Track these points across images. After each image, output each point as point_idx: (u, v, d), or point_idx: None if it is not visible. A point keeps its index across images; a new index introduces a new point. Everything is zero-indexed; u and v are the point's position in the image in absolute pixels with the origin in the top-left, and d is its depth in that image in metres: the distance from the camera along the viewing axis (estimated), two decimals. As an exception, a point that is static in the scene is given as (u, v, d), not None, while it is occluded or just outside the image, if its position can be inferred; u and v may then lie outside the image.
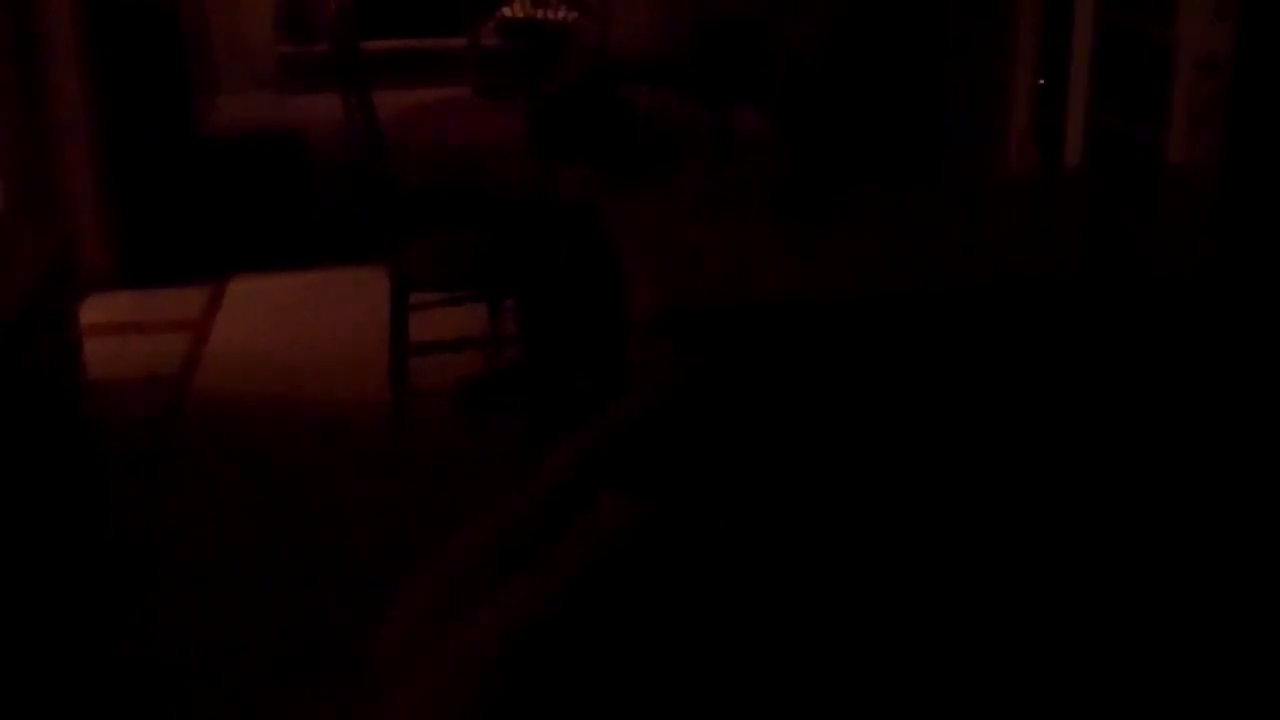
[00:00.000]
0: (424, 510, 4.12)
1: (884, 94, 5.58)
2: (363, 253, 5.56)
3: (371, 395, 4.93)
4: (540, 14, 6.72)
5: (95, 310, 5.76)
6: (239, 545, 4.06)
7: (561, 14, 6.76)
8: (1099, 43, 5.30)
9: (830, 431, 2.51)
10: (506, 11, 6.94)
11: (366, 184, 4.57)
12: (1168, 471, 2.59)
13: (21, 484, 3.22)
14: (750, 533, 1.76)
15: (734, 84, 4.71)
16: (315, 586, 3.80)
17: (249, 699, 3.32)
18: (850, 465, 2.41)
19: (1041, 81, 5.50)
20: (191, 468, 4.60)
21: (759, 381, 2.46)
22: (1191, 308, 2.65)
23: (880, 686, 1.82)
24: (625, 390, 2.82)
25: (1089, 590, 2.25)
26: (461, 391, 4.77)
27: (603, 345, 3.36)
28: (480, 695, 1.47)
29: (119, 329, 5.72)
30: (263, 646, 3.53)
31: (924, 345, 2.59)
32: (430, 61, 10.57)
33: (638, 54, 6.58)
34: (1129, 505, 2.50)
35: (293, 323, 5.78)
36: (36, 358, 3.33)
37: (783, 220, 2.80)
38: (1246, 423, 2.65)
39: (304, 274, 6.28)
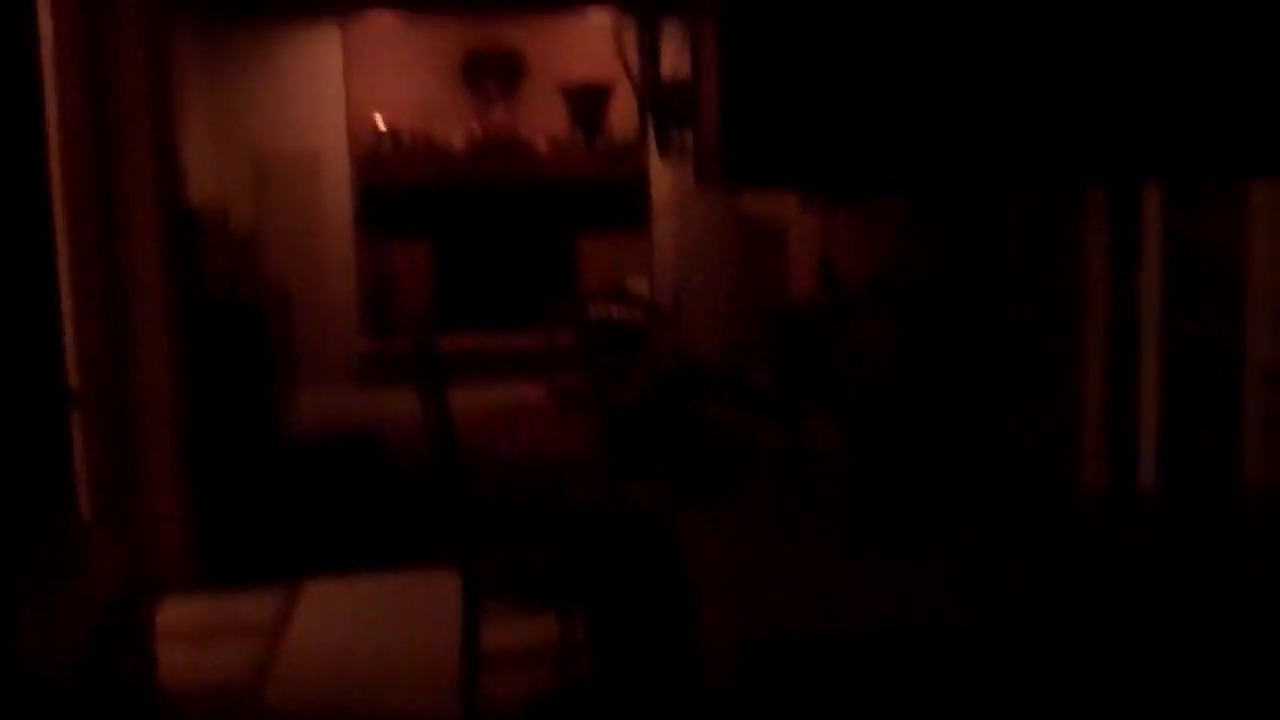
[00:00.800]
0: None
1: (953, 401, 5.62)
2: (437, 556, 5.60)
3: (443, 710, 4.90)
4: (616, 314, 6.89)
5: (171, 614, 5.77)
6: None
7: (637, 313, 6.93)
8: (1167, 350, 5.33)
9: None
10: (589, 310, 7.13)
11: (441, 492, 4.63)
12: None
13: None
14: None
15: (804, 392, 4.77)
16: None
17: None
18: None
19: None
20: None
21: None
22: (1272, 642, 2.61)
23: None
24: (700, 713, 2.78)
25: None
26: (530, 713, 4.73)
27: (674, 663, 3.32)
28: None
29: (194, 635, 5.74)
30: None
31: (1001, 676, 2.55)
32: (508, 358, 10.86)
33: (710, 360, 6.69)
34: None
35: (366, 629, 5.79)
36: (113, 674, 3.34)
37: (857, 544, 2.80)
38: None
39: (379, 577, 6.31)
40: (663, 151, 4.25)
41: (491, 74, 11.39)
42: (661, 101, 4.15)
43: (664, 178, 11.24)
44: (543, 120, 11.37)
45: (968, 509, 3.27)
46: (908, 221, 6.10)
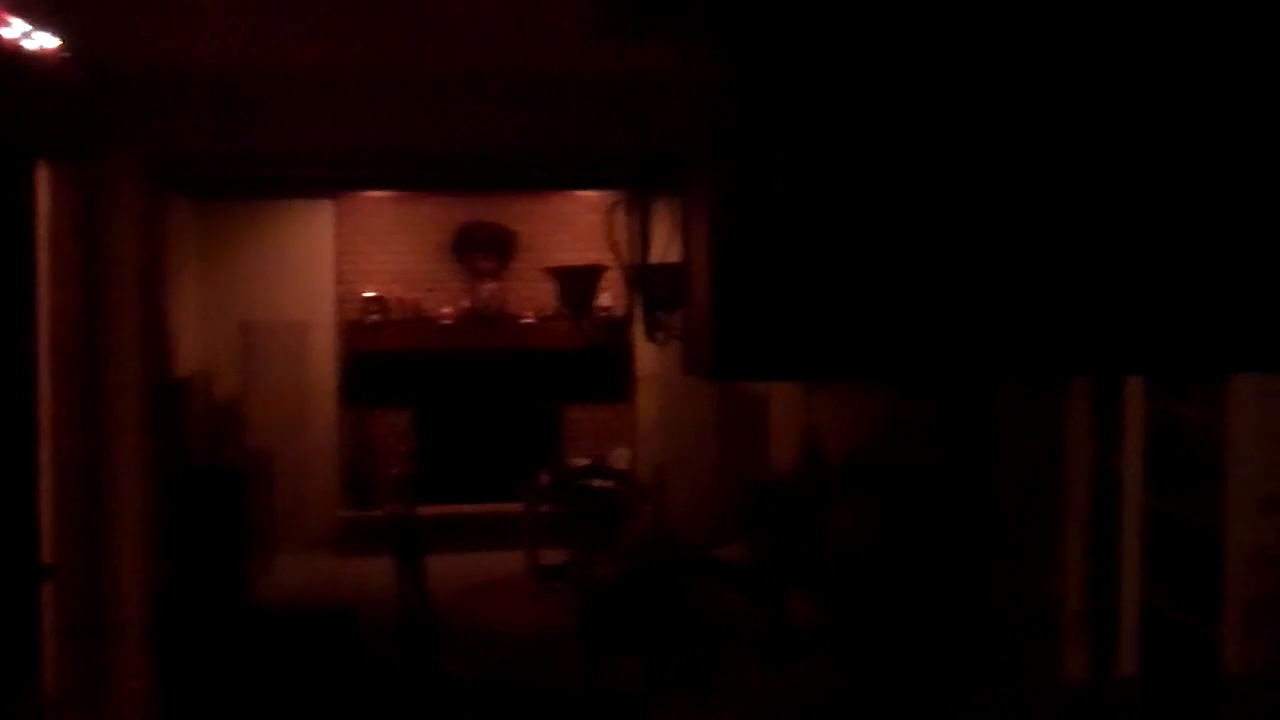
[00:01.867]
0: None
1: (935, 581, 5.60)
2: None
3: None
4: (598, 486, 6.88)
5: None
6: None
7: (619, 486, 6.91)
8: (1149, 531, 5.34)
9: None
10: (571, 482, 7.12)
11: (416, 668, 4.58)
12: None
13: None
14: None
15: (786, 570, 4.75)
16: None
17: None
18: None
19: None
20: None
21: None
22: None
23: None
24: None
25: None
26: None
27: None
28: None
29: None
30: None
31: None
32: (488, 529, 10.82)
33: (691, 536, 6.67)
34: None
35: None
36: None
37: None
38: None
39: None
40: (649, 335, 4.28)
41: (482, 249, 11.52)
42: (649, 285, 4.19)
43: (648, 351, 11.32)
44: (531, 295, 11.50)
45: (949, 698, 3.23)
46: (893, 399, 6.14)
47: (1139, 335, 2.64)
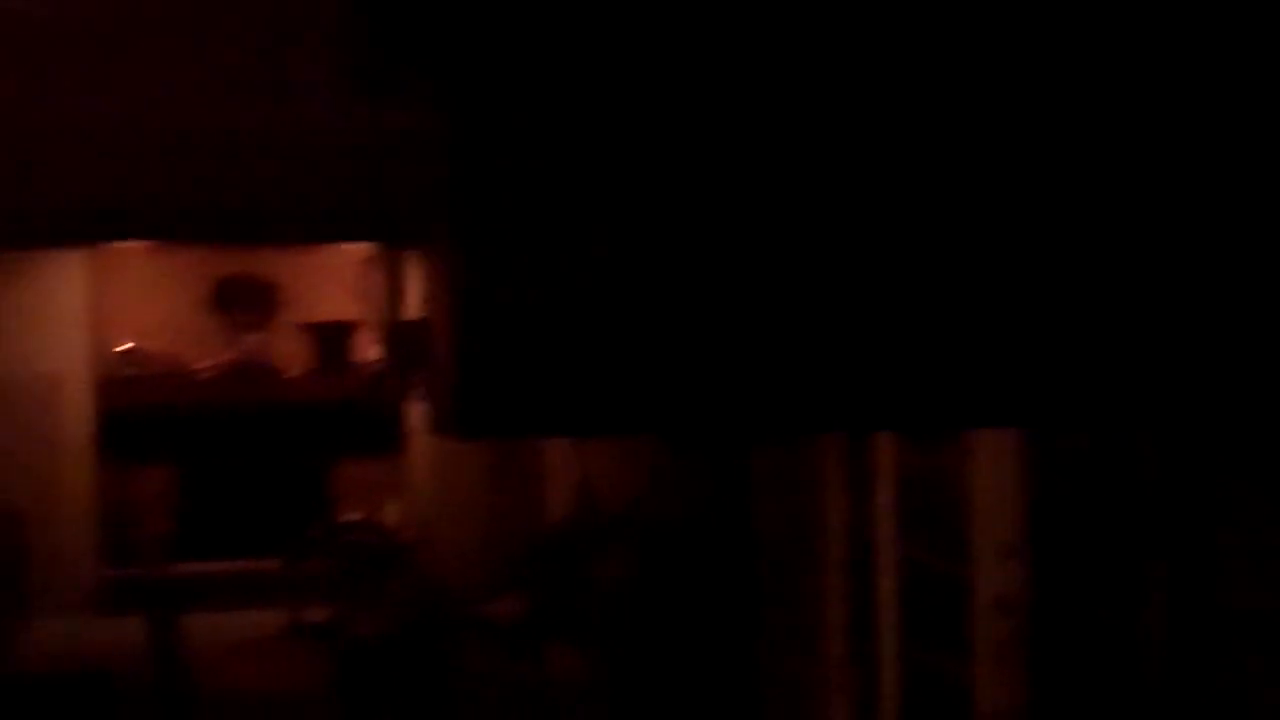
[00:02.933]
0: None
1: (699, 631, 5.66)
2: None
3: None
4: (364, 541, 6.80)
5: None
6: None
7: (386, 541, 6.84)
8: (904, 581, 5.49)
9: None
10: (337, 537, 7.02)
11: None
12: None
13: None
14: None
15: (552, 624, 4.74)
16: None
17: None
18: None
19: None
20: None
21: None
22: None
23: None
24: None
25: None
26: None
27: None
28: None
29: None
30: None
31: None
32: (252, 586, 10.55)
33: (457, 590, 6.62)
34: None
35: None
36: None
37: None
38: None
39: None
40: (398, 394, 4.25)
41: (242, 302, 11.29)
42: (401, 342, 4.18)
43: (414, 406, 11.22)
44: (295, 348, 11.27)
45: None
46: (658, 450, 6.21)
47: (884, 394, 2.74)
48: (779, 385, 2.64)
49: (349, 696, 3.67)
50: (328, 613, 5.46)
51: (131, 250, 11.06)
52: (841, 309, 2.66)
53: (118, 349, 11.01)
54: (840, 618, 5.71)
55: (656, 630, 5.40)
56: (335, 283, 11.20)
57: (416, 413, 11.26)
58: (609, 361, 2.61)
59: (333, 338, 4.12)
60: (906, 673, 5.51)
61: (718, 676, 5.84)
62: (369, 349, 10.06)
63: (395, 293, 4.35)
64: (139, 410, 11.07)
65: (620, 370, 2.60)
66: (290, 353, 11.29)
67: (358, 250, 10.91)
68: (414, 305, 4.31)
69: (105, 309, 11.09)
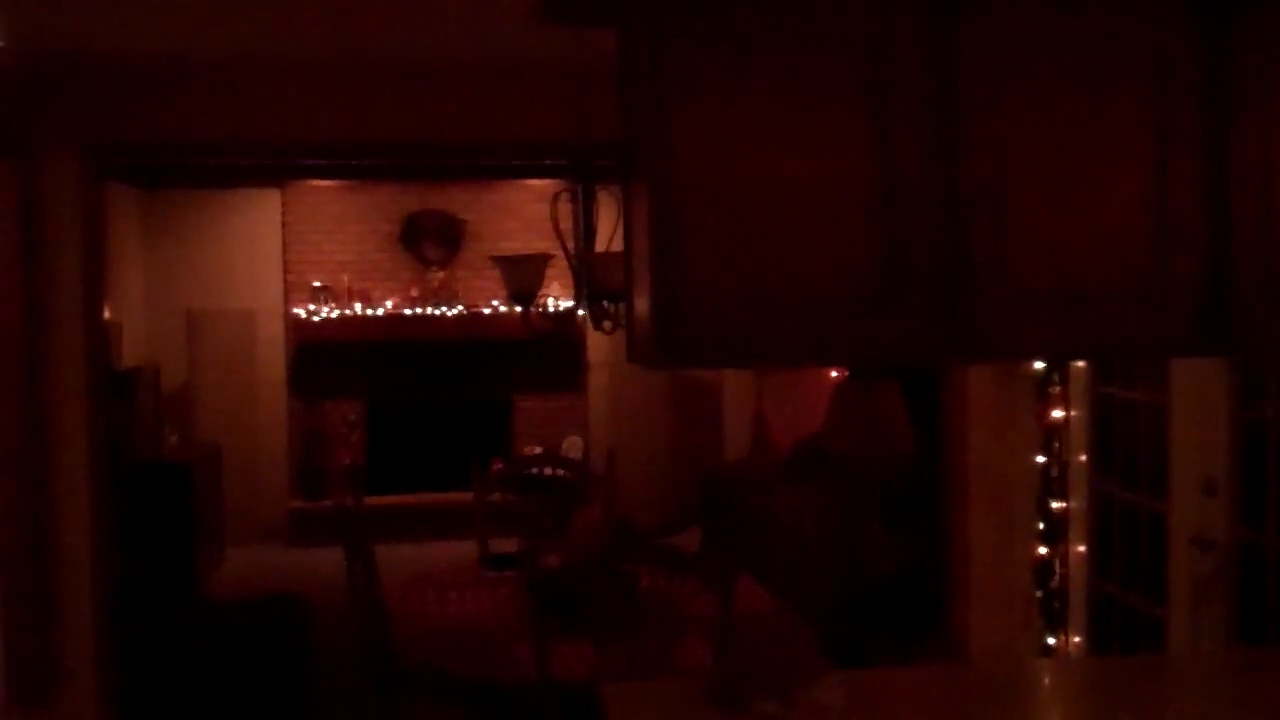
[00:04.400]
0: None
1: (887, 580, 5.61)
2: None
3: None
4: (549, 474, 6.87)
5: None
6: None
7: (570, 474, 6.91)
8: (1097, 514, 5.39)
9: None
10: (523, 470, 7.11)
11: (368, 659, 4.56)
12: None
13: None
14: None
15: (737, 558, 4.74)
16: None
17: None
18: None
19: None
20: None
21: None
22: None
23: None
24: None
25: None
26: None
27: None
28: None
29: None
30: None
31: None
32: (440, 518, 10.77)
33: (641, 522, 6.67)
34: None
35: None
36: None
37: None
38: None
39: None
40: (596, 324, 4.27)
41: (430, 238, 11.46)
42: (594, 274, 4.18)
43: (599, 339, 11.29)
44: (481, 284, 11.46)
45: (913, 675, 3.24)
46: (844, 387, 6.15)
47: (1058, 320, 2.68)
48: (950, 314, 2.61)
49: (537, 624, 3.71)
50: (516, 545, 5.53)
51: (322, 188, 11.30)
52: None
53: (309, 285, 11.24)
54: (1030, 552, 5.63)
55: (842, 564, 5.37)
56: (519, 219, 11.33)
57: (599, 348, 11.39)
58: (796, 293, 2.60)
59: (518, 270, 4.15)
60: (1095, 604, 5.42)
61: (902, 609, 5.80)
62: (556, 284, 10.17)
63: (587, 227, 4.35)
64: (329, 346, 11.31)
65: (804, 301, 2.60)
66: (477, 288, 11.45)
67: (540, 186, 11.04)
68: (603, 240, 4.31)
69: (296, 247, 11.34)
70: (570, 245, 4.49)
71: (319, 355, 11.31)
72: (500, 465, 8.51)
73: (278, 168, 10.37)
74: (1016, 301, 2.64)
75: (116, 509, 6.21)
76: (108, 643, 5.90)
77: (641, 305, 2.72)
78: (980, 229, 2.64)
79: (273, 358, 11.37)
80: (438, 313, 11.38)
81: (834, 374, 8.17)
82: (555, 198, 4.63)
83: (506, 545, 5.65)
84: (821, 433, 7.26)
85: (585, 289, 4.28)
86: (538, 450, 11.12)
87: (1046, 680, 3.44)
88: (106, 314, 7.18)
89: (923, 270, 2.63)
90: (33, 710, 5.49)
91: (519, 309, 4.69)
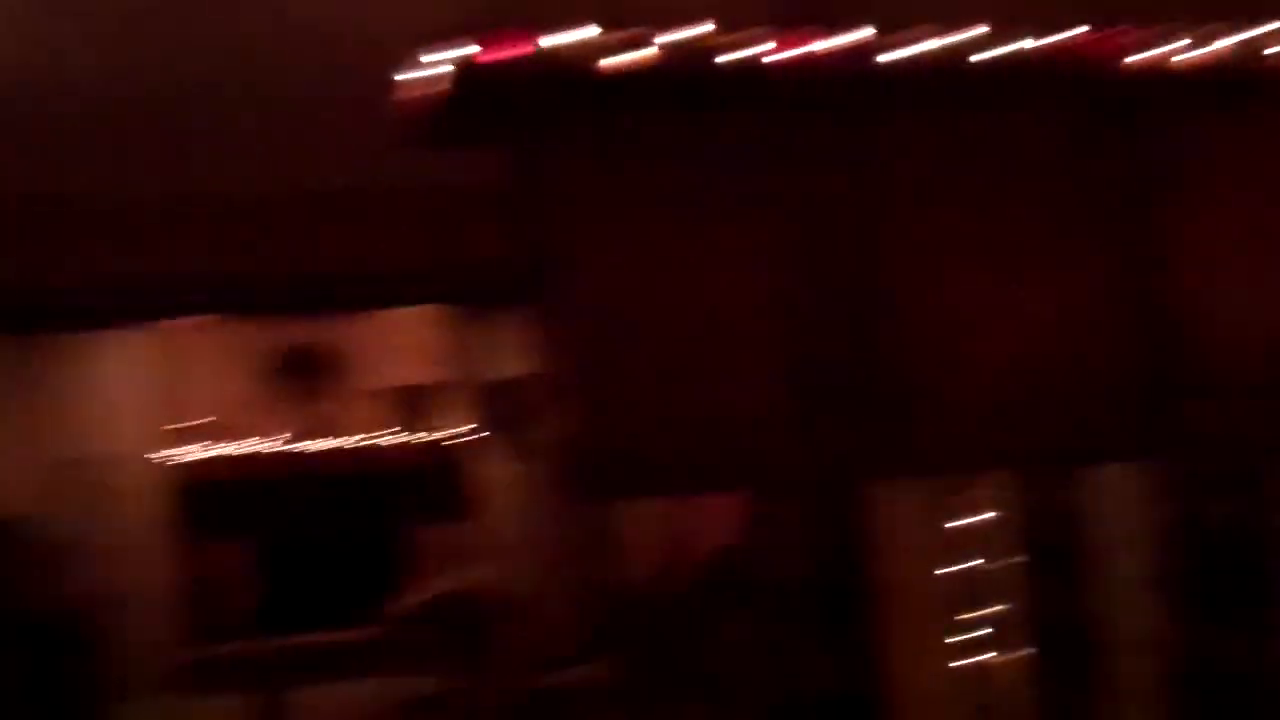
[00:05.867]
0: None
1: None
2: None
3: None
4: (456, 605, 6.63)
5: None
6: None
7: (480, 603, 6.66)
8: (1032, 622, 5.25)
9: None
10: (427, 602, 6.84)
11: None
12: None
13: None
14: None
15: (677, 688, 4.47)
16: None
17: None
18: None
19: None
20: None
21: None
22: None
23: None
24: None
25: None
26: None
27: None
28: None
29: None
30: None
31: None
32: (345, 656, 10.37)
33: (561, 654, 6.42)
34: None
35: None
36: None
37: None
38: None
39: None
40: (510, 456, 4.06)
41: (309, 371, 11.19)
42: (494, 403, 3.99)
43: (488, 467, 11.03)
44: (365, 415, 11.16)
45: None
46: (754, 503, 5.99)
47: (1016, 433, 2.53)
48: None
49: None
50: (435, 683, 5.26)
51: (195, 326, 11.00)
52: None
53: (186, 426, 10.93)
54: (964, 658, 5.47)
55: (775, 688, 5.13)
56: (401, 349, 11.06)
57: (491, 475, 11.11)
58: (710, 413, 2.44)
59: (409, 400, 3.95)
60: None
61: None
62: (445, 412, 9.93)
63: (479, 354, 4.19)
64: (212, 485, 10.98)
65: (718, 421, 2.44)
66: (361, 419, 11.17)
67: (422, 314, 10.81)
68: (493, 366, 4.14)
69: (170, 387, 11.02)
70: (463, 373, 4.28)
71: (205, 495, 10.96)
72: (404, 600, 8.24)
73: (144, 308, 10.04)
74: (935, 416, 2.51)
75: (7, 667, 5.85)
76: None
77: (567, 437, 2.54)
78: (892, 343, 2.51)
79: (156, 501, 10.98)
80: (323, 445, 11.11)
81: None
82: (441, 323, 4.43)
83: (426, 684, 5.40)
84: (734, 551, 7.09)
85: (489, 419, 4.08)
86: (442, 583, 10.80)
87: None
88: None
89: (835, 384, 2.48)
90: None
91: (413, 438, 4.47)
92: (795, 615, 6.17)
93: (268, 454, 11.06)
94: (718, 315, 2.49)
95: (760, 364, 2.51)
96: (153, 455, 10.96)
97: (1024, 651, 5.29)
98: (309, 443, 11.12)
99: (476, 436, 4.21)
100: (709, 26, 2.50)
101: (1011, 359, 2.58)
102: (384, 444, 11.10)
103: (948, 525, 5.42)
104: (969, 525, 5.34)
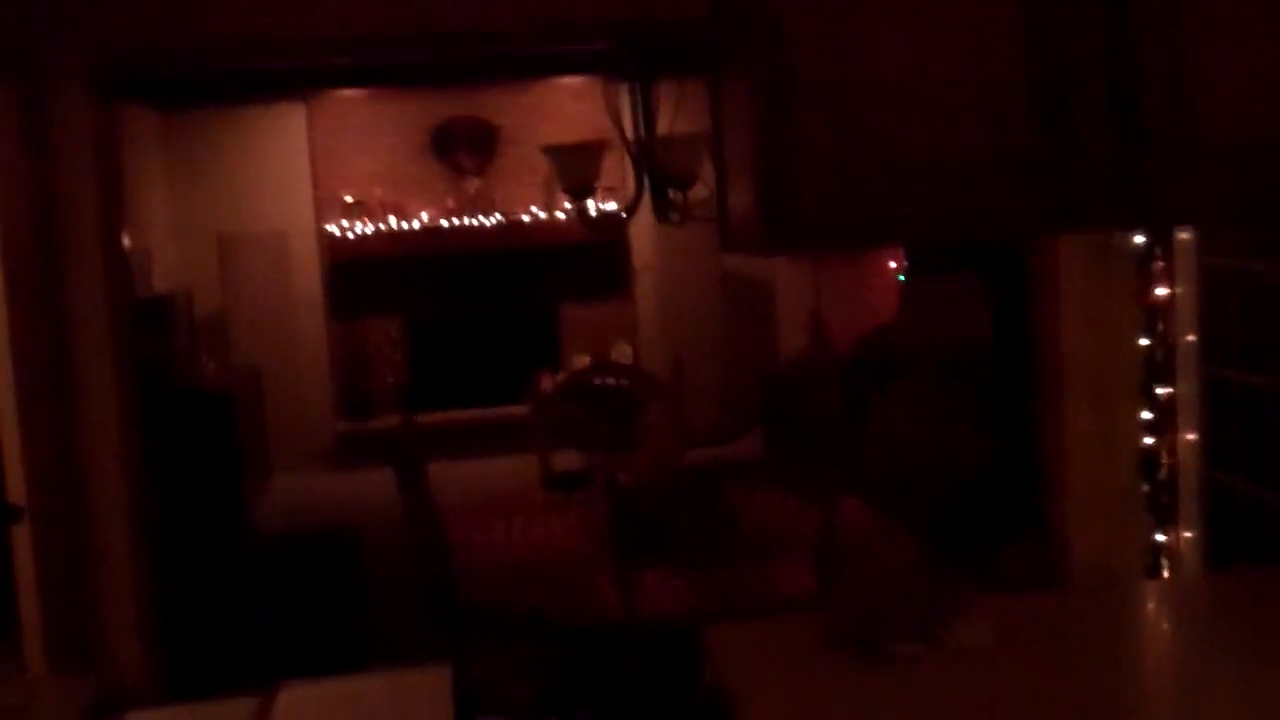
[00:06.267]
0: None
1: (982, 478, 5.20)
2: (424, 655, 5.15)
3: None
4: (605, 383, 6.51)
5: None
6: None
7: (627, 382, 6.54)
8: (1210, 399, 4.98)
9: None
10: (576, 380, 6.75)
11: (427, 596, 4.20)
12: None
13: None
14: None
15: (842, 473, 4.32)
16: None
17: None
18: None
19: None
20: None
21: None
22: None
23: None
24: None
25: None
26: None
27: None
28: None
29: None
30: None
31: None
32: (488, 431, 10.44)
33: (708, 431, 6.30)
34: None
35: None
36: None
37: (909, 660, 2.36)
38: None
39: (360, 680, 5.84)
40: (661, 215, 3.85)
41: (463, 145, 11.03)
42: (660, 161, 3.76)
43: (645, 241, 10.88)
44: (518, 191, 11.04)
45: (1021, 607, 2.85)
46: (909, 279, 5.73)
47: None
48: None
49: (622, 554, 3.34)
50: (578, 460, 5.15)
51: (349, 98, 10.88)
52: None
53: (341, 201, 10.88)
54: (1131, 442, 5.22)
55: (934, 481, 4.94)
56: (554, 121, 10.82)
57: (644, 251, 10.97)
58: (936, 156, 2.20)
59: (574, 161, 3.75)
60: (1211, 498, 5.02)
61: (996, 511, 5.40)
62: (603, 186, 9.73)
63: (647, 110, 3.93)
64: (366, 263, 10.98)
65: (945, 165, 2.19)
66: (514, 193, 11.03)
67: (576, 85, 10.56)
68: (652, 132, 3.90)
69: (325, 162, 10.95)
70: (628, 132, 4.06)
71: (356, 273, 10.97)
72: (553, 377, 8.19)
73: (302, 76, 9.89)
74: (1195, 156, 2.20)
75: (154, 441, 5.89)
76: (149, 589, 5.59)
77: (744, 185, 2.31)
78: (1152, 69, 2.19)
79: (308, 278, 11.02)
80: (475, 223, 11.00)
81: (893, 264, 7.76)
82: (607, 83, 4.21)
83: (567, 461, 5.30)
84: (888, 327, 6.86)
85: (648, 178, 3.87)
86: (587, 360, 10.75)
87: (1214, 602, 3.02)
88: (128, 241, 6.80)
89: (1087, 123, 2.18)
90: (71, 659, 5.19)
91: (570, 207, 4.28)
92: (958, 392, 5.95)
93: (422, 229, 10.99)
94: (945, 41, 2.19)
95: (996, 96, 2.21)
96: (309, 231, 10.96)
97: (1194, 436, 5.04)
98: (461, 219, 11.02)
99: (633, 208, 4.01)
100: None
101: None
102: (538, 219, 11.00)
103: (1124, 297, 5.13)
104: (1149, 299, 5.04)
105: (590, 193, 4.10)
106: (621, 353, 11.11)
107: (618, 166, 7.84)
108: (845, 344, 8.18)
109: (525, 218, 11.04)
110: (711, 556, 3.38)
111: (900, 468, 4.72)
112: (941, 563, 2.75)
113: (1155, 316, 5.06)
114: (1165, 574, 5.03)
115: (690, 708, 2.83)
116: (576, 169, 4.06)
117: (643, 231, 10.59)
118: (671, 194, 3.84)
